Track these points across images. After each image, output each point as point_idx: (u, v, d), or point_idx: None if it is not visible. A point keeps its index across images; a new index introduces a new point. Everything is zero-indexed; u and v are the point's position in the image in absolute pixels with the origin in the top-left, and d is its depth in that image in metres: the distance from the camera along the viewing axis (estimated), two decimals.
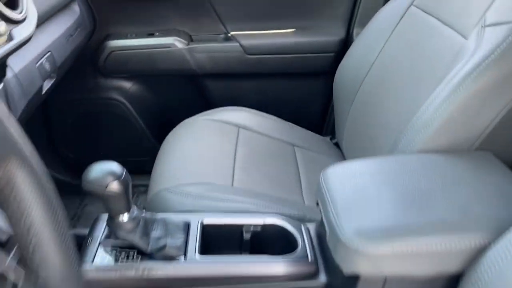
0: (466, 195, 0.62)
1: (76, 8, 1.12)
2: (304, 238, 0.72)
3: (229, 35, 1.33)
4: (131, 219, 0.66)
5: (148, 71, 1.35)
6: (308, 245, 0.71)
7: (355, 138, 1.12)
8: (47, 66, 0.87)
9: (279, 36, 1.33)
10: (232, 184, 0.94)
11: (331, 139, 1.34)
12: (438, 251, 0.55)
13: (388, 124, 0.95)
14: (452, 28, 0.86)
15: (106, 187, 0.62)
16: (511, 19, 0.71)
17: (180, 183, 0.92)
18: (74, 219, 1.37)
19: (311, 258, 0.69)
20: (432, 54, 0.88)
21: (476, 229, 0.56)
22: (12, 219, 0.37)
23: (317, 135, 1.31)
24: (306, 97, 1.44)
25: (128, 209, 0.66)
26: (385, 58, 1.05)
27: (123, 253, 0.68)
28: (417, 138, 0.74)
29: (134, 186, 1.53)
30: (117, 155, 1.53)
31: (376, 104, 1.03)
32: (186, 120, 1.20)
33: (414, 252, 0.56)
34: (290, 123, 1.27)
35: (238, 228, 0.75)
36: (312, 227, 0.78)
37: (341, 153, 1.24)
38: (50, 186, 0.41)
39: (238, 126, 1.18)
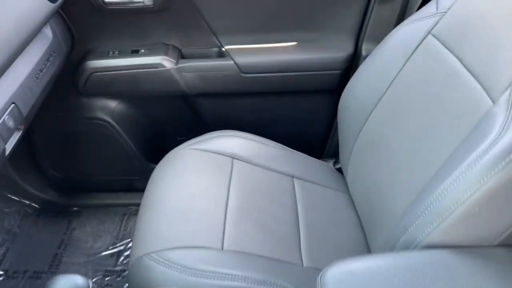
0: None
1: (47, 32, 0.99)
2: None
3: (223, 49, 1.19)
4: None
5: (133, 93, 1.22)
6: None
7: (360, 178, 1.02)
8: (11, 122, 0.75)
9: (278, 52, 1.18)
10: (222, 247, 0.85)
11: (334, 162, 1.24)
12: None
13: (397, 178, 0.84)
14: (476, 79, 0.73)
15: None
16: None
17: (164, 248, 0.83)
18: (60, 248, 1.30)
19: None
20: (452, 107, 0.75)
21: None
22: None
23: (319, 162, 1.20)
24: (307, 117, 1.31)
25: None
26: (396, 93, 0.93)
27: None
28: (430, 229, 0.64)
29: (124, 206, 1.45)
30: (106, 174, 1.44)
31: (383, 147, 0.92)
32: (174, 152, 1.09)
33: None
34: (289, 149, 1.16)
35: None
36: None
37: (344, 181, 1.14)
38: None
39: (232, 158, 1.07)
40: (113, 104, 1.25)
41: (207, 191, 0.97)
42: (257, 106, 1.28)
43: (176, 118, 1.32)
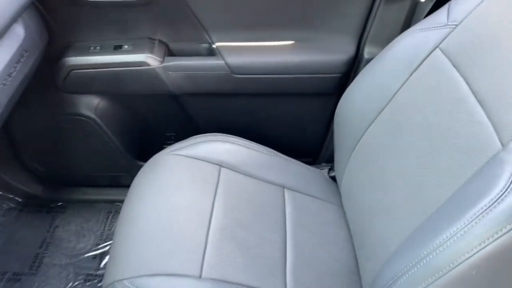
0: None
1: (18, 30, 0.90)
2: None
3: (214, 46, 1.10)
4: None
5: (116, 92, 1.14)
6: None
7: (354, 197, 0.95)
8: None
9: (274, 52, 1.09)
10: (201, 275, 0.79)
11: (329, 170, 1.17)
12: None
13: (392, 209, 0.78)
14: (486, 113, 0.65)
15: None
16: None
17: (138, 274, 0.78)
18: (42, 247, 1.26)
19: None
20: (456, 140, 0.68)
21: None
22: None
23: (312, 169, 1.13)
24: (303, 121, 1.23)
25: None
26: (396, 111, 0.85)
27: None
28: (422, 286, 0.57)
29: (110, 202, 1.40)
30: (90, 170, 1.37)
31: (379, 171, 0.85)
32: (157, 157, 1.02)
33: None
34: (281, 156, 1.09)
35: None
36: None
37: (338, 192, 1.08)
38: None
39: (220, 165, 1.00)
40: (96, 100, 1.18)
41: (189, 207, 0.91)
42: (249, 109, 1.20)
43: (164, 116, 1.25)
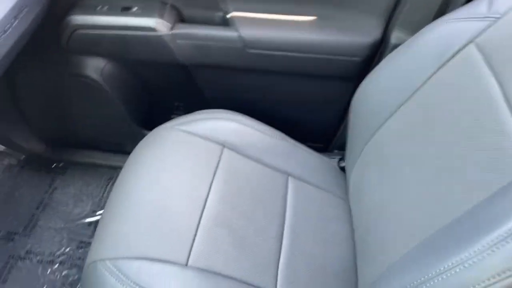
0: None
1: None
2: None
3: (228, 16, 1.02)
4: None
5: (121, 56, 1.08)
6: None
7: (362, 194, 0.89)
8: None
9: (292, 27, 1.00)
10: (187, 263, 0.75)
11: (340, 160, 1.10)
12: None
13: (400, 215, 0.71)
14: None
15: None
16: None
17: (122, 256, 0.74)
18: (38, 208, 1.23)
19: None
20: (481, 151, 0.60)
21: None
22: None
23: (322, 158, 1.06)
24: (317, 104, 1.15)
25: None
26: (418, 107, 0.77)
27: None
28: None
29: (112, 168, 1.36)
30: (94, 133, 1.33)
31: (392, 171, 0.78)
32: (157, 131, 0.97)
33: None
34: (290, 140, 1.02)
35: None
36: None
37: (346, 184, 1.02)
38: None
39: (223, 145, 0.95)
40: (102, 63, 1.11)
41: (185, 187, 0.86)
42: (261, 86, 1.12)
43: (172, 85, 1.18)
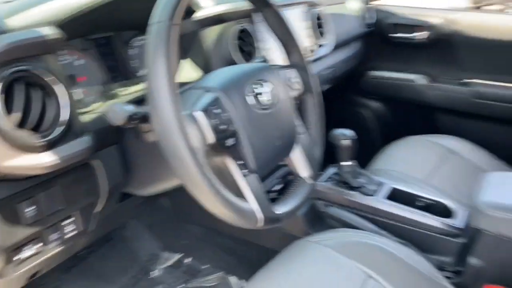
0: None
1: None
2: (459, 212, 1.02)
3: (463, 81, 1.65)
4: (350, 165, 1.11)
5: (393, 97, 1.82)
6: (462, 215, 1.01)
7: None
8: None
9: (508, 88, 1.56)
10: None
11: None
12: None
13: None
14: None
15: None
16: None
17: None
18: None
19: (460, 225, 0.98)
20: None
21: None
22: None
23: None
24: None
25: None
26: None
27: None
28: None
29: None
30: None
31: None
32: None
33: None
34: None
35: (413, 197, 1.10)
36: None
37: None
38: None
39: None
40: (377, 105, 1.87)
41: None
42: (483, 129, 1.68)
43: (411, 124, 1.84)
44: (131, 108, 0.61)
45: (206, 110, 0.63)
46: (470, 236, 0.94)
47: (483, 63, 1.61)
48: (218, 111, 0.64)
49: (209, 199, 0.59)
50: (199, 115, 0.63)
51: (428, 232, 1.02)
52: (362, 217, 1.09)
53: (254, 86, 0.72)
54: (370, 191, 1.11)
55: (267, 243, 1.18)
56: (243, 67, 0.78)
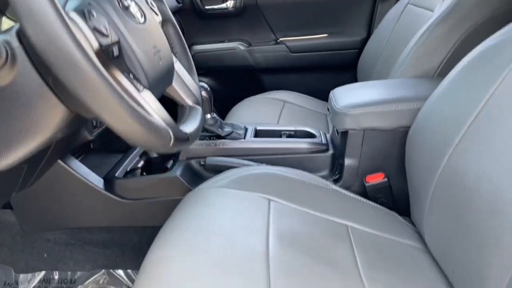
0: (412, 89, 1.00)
1: None
2: (320, 132, 1.13)
3: (278, 40, 1.84)
4: (213, 118, 1.09)
5: (219, 67, 1.88)
6: (322, 135, 1.12)
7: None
8: None
9: (315, 39, 1.81)
10: None
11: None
12: (395, 111, 0.93)
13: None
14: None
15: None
16: None
17: None
18: None
19: (323, 141, 1.09)
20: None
21: (416, 100, 0.93)
22: None
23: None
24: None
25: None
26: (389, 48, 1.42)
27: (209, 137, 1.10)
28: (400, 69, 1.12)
29: None
30: None
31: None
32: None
33: (381, 112, 0.93)
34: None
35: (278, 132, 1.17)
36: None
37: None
38: None
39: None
40: (205, 79, 1.89)
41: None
42: (300, 78, 1.88)
43: (243, 86, 1.94)
44: None
45: (81, 11, 0.52)
46: (338, 144, 1.04)
47: (290, 22, 1.81)
48: (93, 13, 0.53)
49: (119, 111, 0.48)
50: (74, 16, 0.51)
51: (302, 155, 1.08)
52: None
53: None
54: (240, 135, 1.11)
55: (146, 222, 1.05)
56: None
